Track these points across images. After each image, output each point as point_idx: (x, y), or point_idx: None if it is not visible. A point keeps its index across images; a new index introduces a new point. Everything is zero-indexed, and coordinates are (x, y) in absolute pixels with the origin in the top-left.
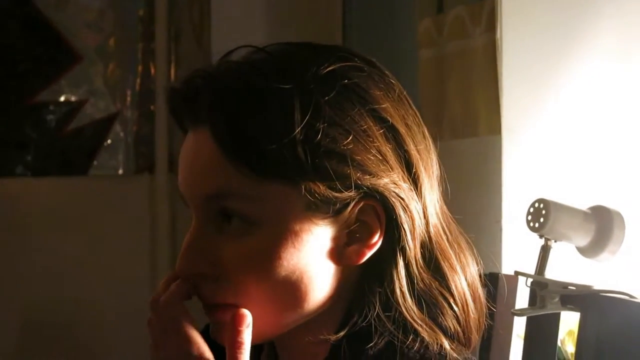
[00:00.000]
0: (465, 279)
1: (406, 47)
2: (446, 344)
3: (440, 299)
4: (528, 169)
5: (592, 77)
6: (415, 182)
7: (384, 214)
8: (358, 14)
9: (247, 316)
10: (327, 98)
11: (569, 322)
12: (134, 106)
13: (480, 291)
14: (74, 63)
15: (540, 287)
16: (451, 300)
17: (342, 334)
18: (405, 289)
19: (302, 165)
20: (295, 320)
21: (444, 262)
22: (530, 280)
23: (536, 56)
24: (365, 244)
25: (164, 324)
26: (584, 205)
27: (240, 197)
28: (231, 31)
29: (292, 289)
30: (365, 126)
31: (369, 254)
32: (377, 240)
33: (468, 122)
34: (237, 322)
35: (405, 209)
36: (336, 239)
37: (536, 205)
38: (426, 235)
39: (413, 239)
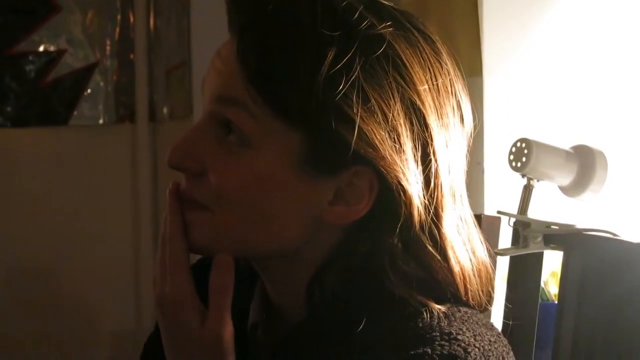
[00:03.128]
0: (470, 255)
1: None
2: (435, 306)
3: (436, 266)
4: (509, 110)
5: (573, 16)
6: (430, 160)
7: (377, 188)
8: None
9: (230, 261)
10: (363, 60)
11: (552, 264)
12: (113, 55)
13: (489, 266)
14: (52, 13)
15: (523, 227)
16: (447, 271)
17: (318, 287)
18: (382, 248)
19: (309, 116)
20: (261, 248)
21: (449, 248)
22: (512, 220)
23: None
24: (350, 209)
25: (164, 260)
26: (566, 145)
27: (249, 113)
28: None
29: (262, 212)
30: (390, 101)
31: (351, 219)
32: (362, 210)
33: None
34: (221, 266)
35: (402, 189)
36: (322, 194)
37: (518, 144)
38: (435, 211)
39: (406, 214)
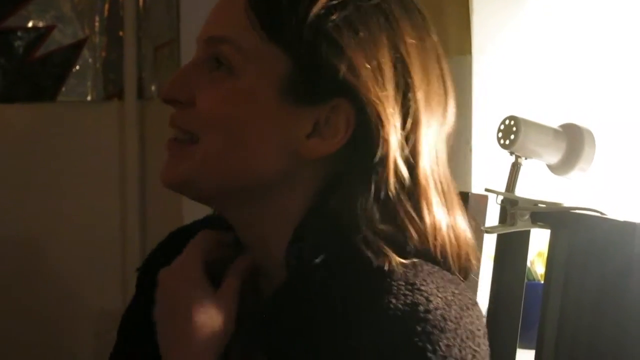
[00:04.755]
0: (451, 225)
1: None
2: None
3: (409, 224)
4: (498, 89)
5: None
6: (409, 113)
7: (353, 122)
8: None
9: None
10: (358, 3)
11: (539, 244)
12: (102, 32)
13: (468, 235)
14: None
15: (511, 205)
16: (423, 229)
17: (297, 246)
18: (355, 203)
19: (301, 37)
20: (241, 177)
21: (426, 201)
22: (500, 197)
23: None
24: (325, 141)
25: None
26: (555, 123)
27: (236, 47)
28: None
29: (243, 138)
30: (377, 41)
31: (322, 152)
32: (337, 143)
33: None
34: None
35: (380, 127)
36: (301, 126)
37: (507, 122)
38: (411, 169)
39: (382, 160)
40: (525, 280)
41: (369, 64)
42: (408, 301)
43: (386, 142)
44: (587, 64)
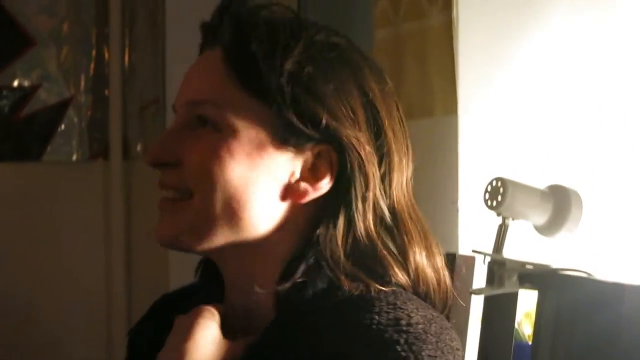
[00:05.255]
0: (428, 260)
1: (361, 28)
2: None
3: (389, 258)
4: (484, 149)
5: (548, 56)
6: (383, 153)
7: (337, 164)
8: None
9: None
10: (324, 53)
11: (526, 304)
12: (87, 91)
13: (445, 275)
14: (27, 47)
15: (498, 266)
16: (404, 263)
17: (286, 285)
18: (339, 240)
19: (282, 90)
20: (235, 228)
21: (405, 236)
22: (488, 259)
23: (492, 35)
24: (313, 186)
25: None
26: (541, 185)
27: (219, 106)
28: (187, 13)
29: (235, 192)
30: (347, 87)
31: (313, 195)
32: (324, 186)
33: (424, 102)
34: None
35: (361, 167)
36: (289, 172)
37: (494, 183)
38: (389, 206)
39: (363, 198)
40: (514, 341)
41: (345, 109)
42: (390, 317)
43: (367, 181)
44: (573, 125)
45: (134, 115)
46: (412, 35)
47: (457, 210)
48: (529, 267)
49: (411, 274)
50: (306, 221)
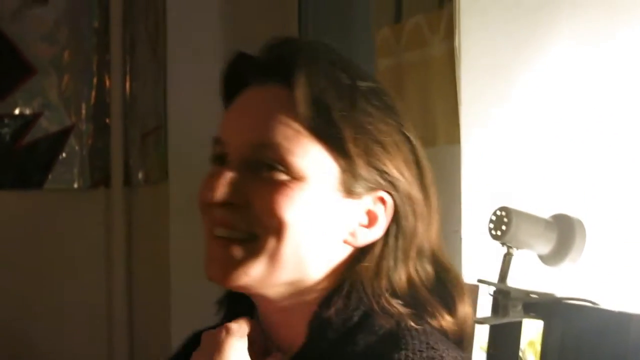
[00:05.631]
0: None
1: (363, 57)
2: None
3: (433, 301)
4: (487, 178)
5: (551, 85)
6: (429, 198)
7: (393, 209)
8: (314, 23)
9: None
10: (374, 100)
11: (530, 333)
12: (89, 119)
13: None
14: (28, 75)
15: (503, 296)
16: (451, 309)
17: (322, 313)
18: (383, 279)
19: (355, 141)
20: (292, 275)
21: (449, 283)
22: (492, 288)
23: (495, 64)
24: (373, 230)
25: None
26: (545, 214)
27: (290, 151)
28: (187, 41)
29: (304, 239)
30: (397, 138)
31: (370, 240)
32: (380, 230)
33: (426, 131)
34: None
35: (414, 212)
36: (353, 219)
37: (498, 213)
38: (430, 252)
39: (410, 243)
40: None
41: (398, 159)
42: (424, 356)
43: (417, 224)
44: (577, 154)
45: (135, 143)
46: (414, 65)
47: (460, 239)
48: (534, 296)
49: (458, 320)
50: (351, 256)
